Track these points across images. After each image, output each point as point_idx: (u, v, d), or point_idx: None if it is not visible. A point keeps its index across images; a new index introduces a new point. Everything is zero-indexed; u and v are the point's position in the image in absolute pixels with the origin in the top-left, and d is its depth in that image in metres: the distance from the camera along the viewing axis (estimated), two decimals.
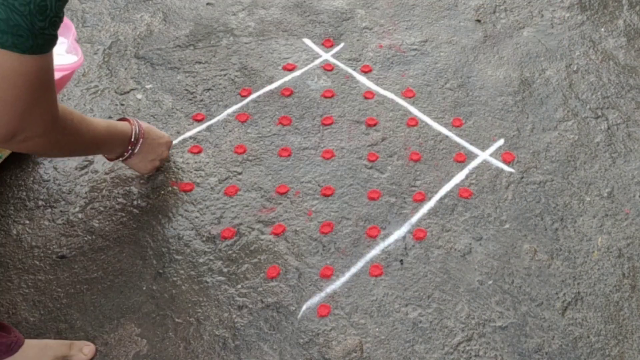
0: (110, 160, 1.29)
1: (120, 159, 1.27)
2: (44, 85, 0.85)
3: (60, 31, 1.31)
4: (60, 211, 1.35)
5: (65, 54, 1.28)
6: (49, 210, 1.35)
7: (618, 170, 1.48)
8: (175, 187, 1.41)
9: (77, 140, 1.06)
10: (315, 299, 1.23)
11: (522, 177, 1.45)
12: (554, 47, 1.79)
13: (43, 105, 0.88)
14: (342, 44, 1.77)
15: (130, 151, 1.26)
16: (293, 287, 1.24)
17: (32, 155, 1.44)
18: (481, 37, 1.82)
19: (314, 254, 1.30)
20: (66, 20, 1.33)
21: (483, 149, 1.51)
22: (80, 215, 1.34)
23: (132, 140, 1.24)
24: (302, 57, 1.73)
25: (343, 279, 1.26)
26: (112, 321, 1.18)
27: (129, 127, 1.25)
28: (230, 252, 1.30)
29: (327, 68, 1.70)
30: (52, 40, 0.82)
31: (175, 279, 1.25)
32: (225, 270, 1.26)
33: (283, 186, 1.41)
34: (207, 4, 1.89)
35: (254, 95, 1.62)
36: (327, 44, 1.77)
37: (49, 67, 0.85)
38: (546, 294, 1.25)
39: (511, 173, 1.46)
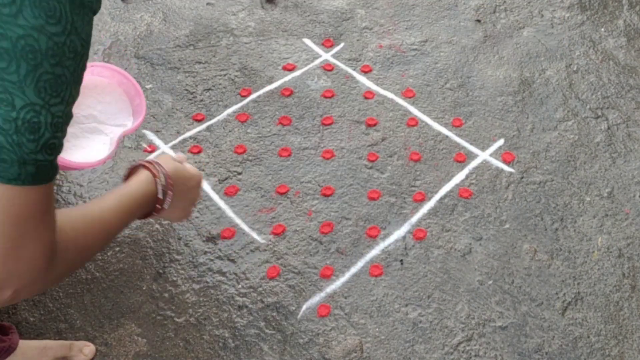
0: (139, 219, 1.02)
1: (150, 218, 1.01)
2: (36, 219, 0.64)
3: (135, 112, 1.14)
4: None
5: (99, 145, 1.14)
6: None
7: (618, 170, 1.48)
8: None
9: (86, 254, 0.82)
10: (315, 299, 1.23)
11: (522, 177, 1.45)
12: (554, 47, 1.79)
13: (34, 245, 0.65)
14: (342, 44, 1.77)
15: (159, 209, 0.99)
16: (293, 287, 1.24)
17: None
18: (481, 37, 1.81)
19: (314, 254, 1.30)
20: (144, 105, 1.19)
21: (483, 149, 1.51)
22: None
23: (159, 197, 0.97)
24: (302, 57, 1.73)
25: (343, 279, 1.26)
26: (112, 321, 1.18)
27: (153, 184, 0.94)
28: (230, 252, 1.30)
29: (327, 68, 1.70)
30: (48, 169, 0.63)
31: (175, 279, 1.25)
32: (225, 270, 1.26)
33: (283, 186, 1.41)
34: (207, 4, 1.89)
35: (254, 95, 1.62)
36: (327, 44, 1.77)
37: (44, 199, 0.65)
38: (546, 294, 1.25)
39: (511, 173, 1.46)
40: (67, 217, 0.76)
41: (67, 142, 1.08)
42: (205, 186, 1.41)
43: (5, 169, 0.59)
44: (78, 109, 1.15)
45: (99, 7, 0.63)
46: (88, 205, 0.84)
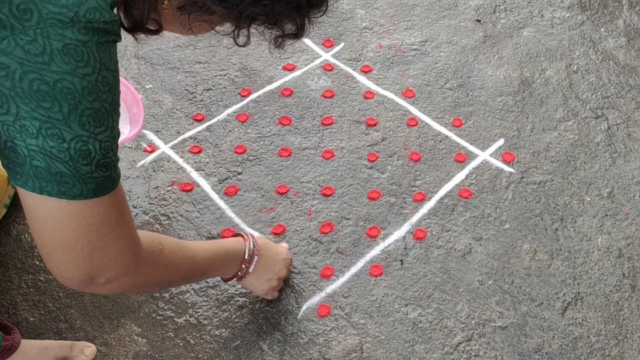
0: (224, 281, 1.14)
1: (235, 279, 1.11)
2: (110, 224, 0.74)
3: (131, 121, 1.22)
4: None
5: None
6: None
7: (618, 170, 1.48)
8: (175, 187, 1.41)
9: (173, 273, 0.92)
10: (315, 299, 1.23)
11: (522, 177, 1.45)
12: (554, 47, 1.79)
13: (115, 244, 0.76)
14: (342, 44, 1.77)
15: (244, 270, 1.09)
16: (293, 287, 1.24)
17: None
18: (481, 37, 1.82)
19: (314, 254, 1.30)
20: (142, 113, 1.25)
21: (483, 149, 1.51)
22: None
23: (246, 258, 1.08)
24: (302, 57, 1.73)
25: (343, 279, 1.26)
26: (112, 321, 1.18)
27: (243, 244, 1.09)
28: None
29: (327, 68, 1.70)
30: (107, 183, 0.71)
31: None
32: None
33: (283, 186, 1.41)
34: None
35: (254, 95, 1.62)
36: (327, 44, 1.77)
37: (113, 206, 0.73)
38: (546, 294, 1.25)
39: (511, 173, 1.46)
40: (156, 234, 0.91)
41: None
42: (205, 186, 1.41)
43: (68, 189, 0.67)
44: None
45: (120, 36, 0.70)
46: (187, 241, 0.98)
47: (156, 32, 0.80)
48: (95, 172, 0.68)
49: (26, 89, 0.61)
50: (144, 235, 0.84)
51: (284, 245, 1.24)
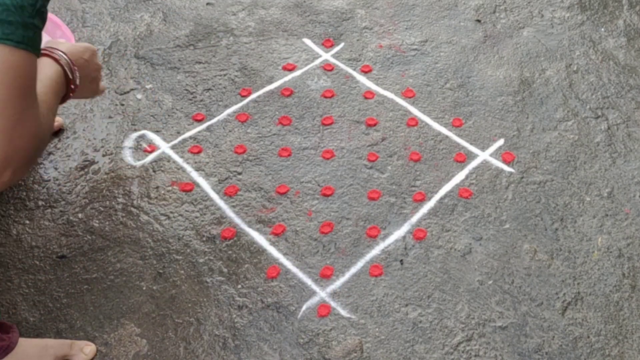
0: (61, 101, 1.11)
1: (67, 99, 1.11)
2: (32, 93, 0.75)
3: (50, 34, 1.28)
4: (60, 211, 1.35)
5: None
6: (49, 210, 1.35)
7: (618, 170, 1.48)
8: (175, 187, 1.41)
9: (49, 126, 0.91)
10: (315, 299, 1.23)
11: (522, 177, 1.45)
12: (554, 47, 1.79)
13: (30, 122, 0.75)
14: (342, 44, 1.77)
15: (74, 88, 1.09)
16: (293, 287, 1.24)
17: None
18: (481, 37, 1.82)
19: (314, 254, 1.30)
20: (69, 33, 1.28)
21: (483, 149, 1.51)
22: (80, 215, 1.34)
23: (70, 76, 1.07)
24: (302, 57, 1.73)
25: (343, 279, 1.26)
26: (112, 321, 1.18)
27: (58, 68, 1.05)
28: (230, 252, 1.30)
29: (327, 68, 1.70)
30: (39, 37, 0.74)
31: (175, 279, 1.25)
32: (225, 270, 1.27)
33: (283, 186, 1.41)
34: (207, 4, 1.89)
35: (254, 95, 1.62)
36: (327, 44, 1.77)
37: (35, 71, 0.76)
38: (546, 294, 1.25)
39: (511, 173, 1.46)
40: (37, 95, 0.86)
41: None
42: (205, 186, 1.41)
43: (12, 31, 0.68)
44: None
45: None
46: (38, 88, 0.91)
47: None
48: (35, 19, 0.71)
49: None
50: None
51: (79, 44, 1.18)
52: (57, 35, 1.28)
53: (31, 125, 0.75)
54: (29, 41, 0.71)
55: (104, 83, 1.63)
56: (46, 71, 1.02)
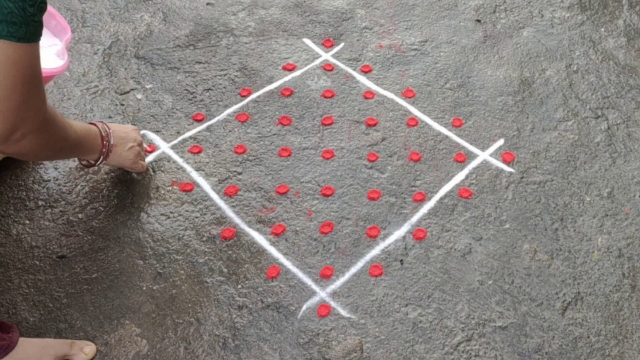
0: (90, 165, 1.30)
1: (102, 157, 1.27)
2: (37, 76, 0.86)
3: (56, 32, 1.32)
4: (60, 211, 1.35)
5: (52, 57, 1.26)
6: (49, 210, 1.35)
7: (618, 170, 1.48)
8: (175, 187, 1.41)
9: (65, 139, 1.05)
10: (315, 299, 1.23)
11: (522, 177, 1.45)
12: (554, 47, 1.79)
13: (36, 99, 0.88)
14: (342, 44, 1.77)
15: (107, 145, 1.26)
16: (293, 287, 1.24)
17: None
18: (481, 37, 1.82)
19: (314, 254, 1.30)
20: (64, 22, 1.33)
21: (483, 149, 1.51)
22: (80, 215, 1.34)
23: (103, 135, 1.25)
24: (302, 57, 1.73)
25: (343, 279, 1.26)
26: (112, 321, 1.18)
27: (95, 127, 1.25)
28: (230, 252, 1.30)
29: (327, 68, 1.70)
30: (40, 27, 0.82)
31: (175, 279, 1.25)
32: (225, 270, 1.27)
33: (283, 186, 1.41)
34: (207, 4, 1.89)
35: (254, 95, 1.62)
36: (327, 44, 1.77)
37: (39, 57, 0.85)
38: (546, 294, 1.25)
39: (511, 173, 1.46)
40: (52, 108, 1.00)
41: None
42: (205, 186, 1.41)
43: (16, 29, 0.77)
44: None
45: None
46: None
47: None
48: (36, 16, 0.79)
49: None
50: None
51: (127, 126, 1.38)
52: (52, 25, 1.31)
53: (35, 102, 0.87)
54: (30, 36, 0.79)
55: (104, 83, 1.63)
56: (84, 125, 1.20)
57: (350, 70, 1.70)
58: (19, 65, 0.80)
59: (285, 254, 1.29)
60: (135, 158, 1.35)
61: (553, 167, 1.48)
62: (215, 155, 1.48)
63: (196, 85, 1.64)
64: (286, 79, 1.67)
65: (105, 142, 1.25)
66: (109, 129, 1.27)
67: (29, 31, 0.79)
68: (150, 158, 1.47)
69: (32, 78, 0.84)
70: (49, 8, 1.35)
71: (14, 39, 0.77)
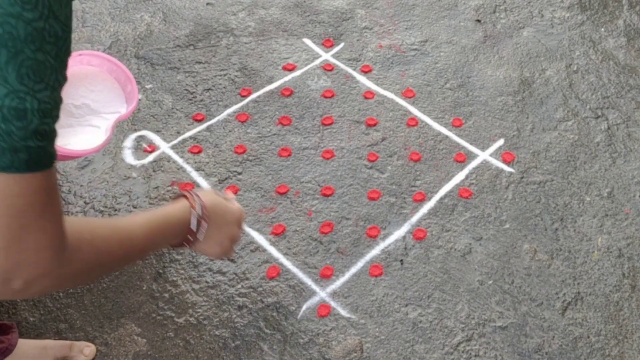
0: (174, 248, 1.00)
1: (181, 249, 0.97)
2: (36, 210, 0.65)
3: (128, 98, 1.14)
4: None
5: (98, 132, 1.13)
6: None
7: (618, 170, 1.48)
8: (175, 187, 1.41)
9: (106, 261, 0.81)
10: (315, 299, 1.23)
11: (522, 177, 1.45)
12: (554, 47, 1.79)
13: (36, 237, 0.65)
14: (342, 44, 1.77)
15: (192, 240, 0.96)
16: (293, 287, 1.24)
17: None
18: (481, 37, 1.82)
19: (314, 254, 1.30)
20: (135, 90, 1.19)
21: (483, 149, 1.51)
22: (80, 215, 1.34)
23: (192, 228, 0.95)
24: (302, 57, 1.73)
25: (343, 279, 1.26)
26: (112, 321, 1.18)
27: (188, 211, 0.93)
28: None
29: (327, 68, 1.70)
30: (42, 156, 0.62)
31: (175, 279, 1.25)
32: (225, 270, 1.27)
33: (283, 186, 1.41)
34: (207, 4, 1.89)
35: (254, 95, 1.62)
36: (327, 44, 1.77)
37: (43, 190, 0.64)
38: (546, 294, 1.25)
39: (511, 173, 1.46)
40: (87, 221, 0.78)
41: (63, 132, 1.07)
42: (205, 186, 1.41)
43: None
44: (70, 99, 1.15)
45: None
46: (116, 218, 0.85)
47: None
48: (30, 140, 0.60)
49: None
50: (71, 224, 0.72)
51: (230, 195, 1.05)
52: (127, 90, 1.21)
53: (36, 240, 0.66)
54: (19, 165, 0.61)
55: None
56: (166, 211, 0.93)
57: (350, 70, 1.70)
58: (2, 194, 0.61)
59: (285, 254, 1.29)
60: (220, 254, 1.02)
61: (553, 167, 1.48)
62: (215, 155, 1.48)
63: (196, 85, 1.64)
64: (286, 79, 1.67)
65: (190, 238, 0.94)
66: (204, 219, 0.94)
67: (18, 159, 0.60)
68: (150, 158, 1.47)
69: (27, 210, 0.64)
70: (125, 70, 1.22)
71: None
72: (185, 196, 0.94)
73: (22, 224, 0.63)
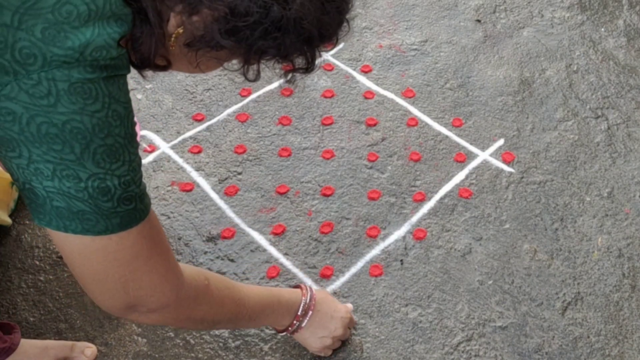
0: (278, 332, 1.09)
1: (285, 332, 1.07)
2: (142, 256, 0.71)
3: None
4: None
5: None
6: None
7: (618, 170, 1.48)
8: (175, 187, 1.41)
9: (218, 311, 0.88)
10: None
11: (522, 177, 1.45)
12: (554, 47, 1.79)
13: (150, 277, 0.73)
14: (342, 44, 1.77)
15: (296, 325, 1.05)
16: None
17: None
18: (481, 37, 1.82)
19: (314, 254, 1.30)
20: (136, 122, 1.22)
21: (483, 149, 1.51)
22: None
23: (299, 313, 1.04)
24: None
25: (343, 279, 1.26)
26: (112, 321, 1.18)
27: (299, 297, 1.04)
28: (230, 252, 1.30)
29: (327, 68, 1.70)
30: (133, 215, 0.68)
31: None
32: (225, 270, 1.27)
33: (283, 186, 1.41)
34: None
35: (254, 95, 1.62)
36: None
37: (143, 239, 0.71)
38: (546, 294, 1.25)
39: (511, 173, 1.46)
40: (214, 275, 0.89)
41: None
42: (205, 186, 1.41)
43: (92, 226, 0.65)
44: None
45: (129, 68, 0.68)
46: (239, 283, 0.96)
47: (164, 68, 0.76)
48: (119, 207, 0.66)
49: (35, 133, 0.59)
50: (188, 268, 0.82)
51: (348, 305, 1.18)
52: None
53: (150, 279, 0.74)
54: (113, 228, 0.67)
55: None
56: (280, 291, 1.05)
57: (350, 70, 1.70)
58: (104, 253, 0.68)
59: (285, 254, 1.29)
60: (320, 349, 1.11)
61: (553, 167, 1.48)
62: (215, 155, 1.48)
63: (196, 85, 1.64)
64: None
65: (295, 322, 1.04)
66: (311, 308, 1.05)
67: (112, 224, 0.66)
68: (150, 158, 1.47)
69: (133, 259, 0.70)
70: None
71: (92, 234, 0.66)
72: (299, 286, 1.07)
73: (131, 269, 0.71)
